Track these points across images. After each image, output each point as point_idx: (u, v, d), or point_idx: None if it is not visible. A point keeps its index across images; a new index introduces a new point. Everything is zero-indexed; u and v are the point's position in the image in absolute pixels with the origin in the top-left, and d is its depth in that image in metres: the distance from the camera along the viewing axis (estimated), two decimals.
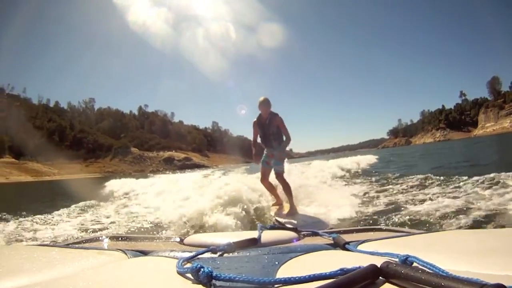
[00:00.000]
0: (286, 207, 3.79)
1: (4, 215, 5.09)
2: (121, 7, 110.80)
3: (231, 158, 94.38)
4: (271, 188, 4.01)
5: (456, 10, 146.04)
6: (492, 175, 4.83)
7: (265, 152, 3.82)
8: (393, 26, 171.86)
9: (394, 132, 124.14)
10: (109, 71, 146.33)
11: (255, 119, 3.71)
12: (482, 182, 4.65)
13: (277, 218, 3.63)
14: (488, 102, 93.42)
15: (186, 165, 75.85)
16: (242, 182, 4.88)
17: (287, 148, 3.86)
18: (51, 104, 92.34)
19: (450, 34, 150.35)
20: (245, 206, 4.06)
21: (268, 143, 3.72)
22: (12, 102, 79.95)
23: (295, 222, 3.33)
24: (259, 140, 3.82)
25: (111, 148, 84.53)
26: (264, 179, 3.86)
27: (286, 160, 3.99)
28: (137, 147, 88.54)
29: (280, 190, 3.94)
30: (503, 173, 4.79)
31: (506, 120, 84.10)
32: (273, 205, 4.14)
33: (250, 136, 3.89)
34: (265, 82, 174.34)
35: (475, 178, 4.95)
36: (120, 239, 1.22)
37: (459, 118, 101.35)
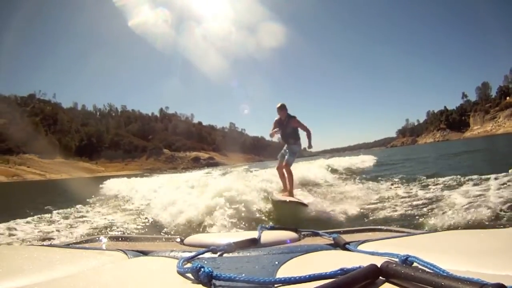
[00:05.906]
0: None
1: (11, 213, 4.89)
2: (125, 10, 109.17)
3: (247, 156, 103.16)
4: (282, 176, 4.77)
5: (465, 13, 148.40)
6: (490, 175, 4.89)
7: (284, 148, 4.70)
8: (401, 27, 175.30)
9: (402, 132, 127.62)
10: (120, 74, 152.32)
11: (277, 118, 4.59)
12: (481, 183, 4.68)
13: (274, 194, 4.60)
14: (476, 106, 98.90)
15: (210, 163, 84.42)
16: (243, 182, 5.11)
17: (301, 148, 4.84)
18: (79, 108, 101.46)
19: (457, 34, 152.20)
20: (244, 206, 4.07)
21: (286, 140, 4.64)
22: (45, 107, 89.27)
23: (288, 198, 4.22)
24: (279, 136, 4.69)
25: (145, 149, 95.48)
26: (279, 168, 4.76)
27: (296, 156, 4.73)
28: (167, 148, 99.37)
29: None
30: (490, 174, 4.90)
31: (489, 124, 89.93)
32: (280, 192, 4.78)
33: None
34: (277, 81, 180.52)
35: (474, 178, 5.01)
36: (120, 239, 1.24)
37: (459, 119, 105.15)
